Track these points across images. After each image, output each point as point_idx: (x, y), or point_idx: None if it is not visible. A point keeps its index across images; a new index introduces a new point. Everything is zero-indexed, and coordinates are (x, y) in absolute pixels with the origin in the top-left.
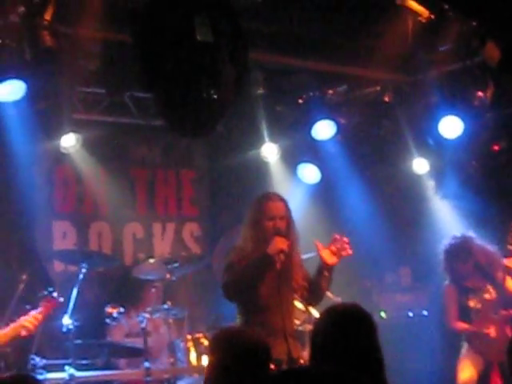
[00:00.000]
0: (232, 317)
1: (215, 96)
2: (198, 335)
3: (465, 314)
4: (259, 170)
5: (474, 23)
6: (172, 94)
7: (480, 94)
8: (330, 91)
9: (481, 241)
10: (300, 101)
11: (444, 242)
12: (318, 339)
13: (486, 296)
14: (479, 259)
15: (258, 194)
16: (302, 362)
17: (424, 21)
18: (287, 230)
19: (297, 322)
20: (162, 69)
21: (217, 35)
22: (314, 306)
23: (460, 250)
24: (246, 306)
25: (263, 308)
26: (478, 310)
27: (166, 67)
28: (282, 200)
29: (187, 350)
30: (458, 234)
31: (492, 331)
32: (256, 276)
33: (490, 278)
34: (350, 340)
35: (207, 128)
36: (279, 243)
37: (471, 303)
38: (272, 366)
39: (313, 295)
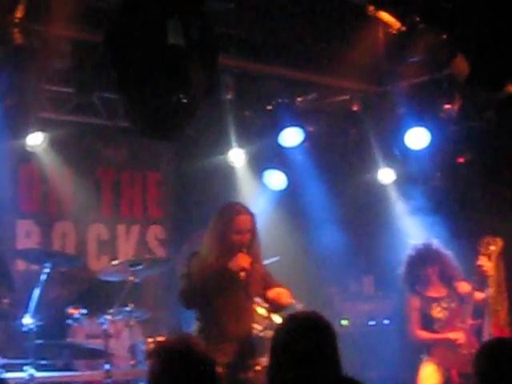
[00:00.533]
0: (192, 319)
1: (184, 100)
2: (159, 338)
3: (428, 323)
4: (226, 174)
5: (444, 36)
6: (141, 97)
7: (447, 106)
8: (299, 98)
9: (445, 249)
10: (269, 107)
11: (409, 250)
12: (277, 346)
13: (453, 305)
14: (445, 266)
15: (227, 203)
16: (258, 368)
17: (395, 32)
18: (251, 242)
19: (259, 327)
20: (132, 71)
21: (188, 39)
22: (276, 313)
23: (427, 255)
24: (203, 313)
25: (219, 315)
26: (442, 319)
27: (136, 69)
28: (250, 213)
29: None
30: (424, 241)
31: (461, 337)
32: (215, 289)
33: (453, 287)
34: (309, 348)
35: (175, 131)
36: (241, 261)
37: (434, 313)
38: (220, 370)
39: (272, 306)
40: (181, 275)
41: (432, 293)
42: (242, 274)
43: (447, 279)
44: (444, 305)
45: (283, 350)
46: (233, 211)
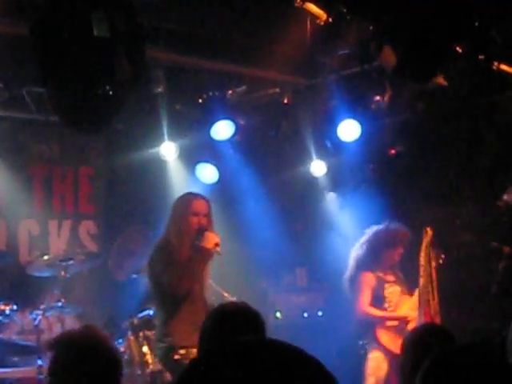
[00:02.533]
0: (125, 314)
1: (110, 92)
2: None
3: (379, 303)
4: (157, 168)
5: (371, 27)
6: (67, 89)
7: (377, 98)
8: (230, 91)
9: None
10: (200, 100)
11: (377, 228)
12: (205, 334)
13: (404, 289)
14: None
15: (183, 193)
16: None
17: (322, 23)
18: (208, 227)
19: None
20: (58, 64)
21: (113, 31)
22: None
23: (392, 236)
24: (175, 300)
25: (192, 301)
26: (393, 301)
27: (61, 62)
28: (206, 199)
29: None
30: (390, 223)
31: (412, 316)
32: (198, 271)
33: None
34: (237, 335)
35: (102, 124)
36: (212, 237)
37: (386, 293)
38: None
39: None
40: (164, 266)
41: (388, 275)
42: (218, 249)
43: (402, 264)
44: (397, 287)
45: (210, 337)
46: (189, 195)
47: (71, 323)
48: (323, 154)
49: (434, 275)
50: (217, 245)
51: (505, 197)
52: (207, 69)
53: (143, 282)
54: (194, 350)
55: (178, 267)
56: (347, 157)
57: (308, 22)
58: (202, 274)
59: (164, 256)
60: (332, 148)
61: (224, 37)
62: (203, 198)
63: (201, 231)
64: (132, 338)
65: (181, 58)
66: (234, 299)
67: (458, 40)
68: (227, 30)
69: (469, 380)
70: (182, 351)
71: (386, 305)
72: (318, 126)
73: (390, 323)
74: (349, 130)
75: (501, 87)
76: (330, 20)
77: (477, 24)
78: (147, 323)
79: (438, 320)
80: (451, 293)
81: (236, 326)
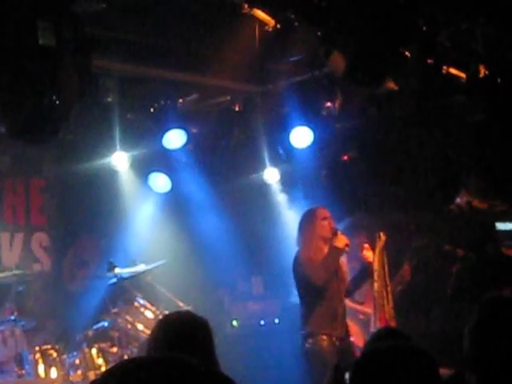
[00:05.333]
0: (80, 326)
1: (57, 102)
2: (46, 347)
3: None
4: (110, 178)
5: (319, 33)
6: (13, 99)
7: (328, 104)
8: (181, 100)
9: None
10: (152, 109)
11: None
12: (151, 345)
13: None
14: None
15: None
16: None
17: (270, 30)
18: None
19: (146, 331)
20: (3, 73)
21: (59, 40)
22: None
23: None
24: (315, 293)
25: (330, 295)
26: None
27: (6, 71)
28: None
29: (35, 362)
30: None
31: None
32: (332, 267)
33: None
34: (183, 345)
35: (50, 134)
36: (344, 238)
37: None
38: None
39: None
40: (303, 261)
41: (354, 264)
42: (347, 249)
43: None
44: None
45: (156, 347)
46: (311, 208)
47: (25, 337)
48: (276, 161)
49: (387, 280)
50: (347, 245)
51: (457, 200)
52: (158, 78)
53: (97, 293)
54: (325, 338)
55: (315, 264)
56: (300, 163)
57: (257, 29)
58: (337, 271)
59: (303, 257)
60: (285, 155)
61: (174, 45)
62: (323, 206)
63: (334, 232)
64: (87, 350)
65: (131, 68)
66: (188, 308)
67: (406, 44)
68: (177, 38)
69: None
70: (311, 340)
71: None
72: (271, 133)
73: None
74: (301, 136)
75: (451, 91)
76: (278, 26)
77: (424, 28)
78: (102, 335)
79: (393, 324)
80: (407, 297)
81: (180, 336)
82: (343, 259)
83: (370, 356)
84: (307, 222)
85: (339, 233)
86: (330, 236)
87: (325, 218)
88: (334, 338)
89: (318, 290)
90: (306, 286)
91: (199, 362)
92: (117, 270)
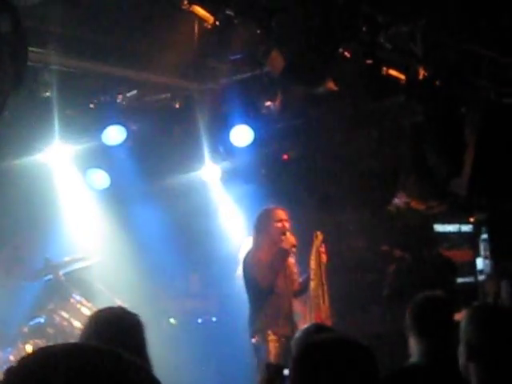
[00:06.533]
0: (14, 322)
1: None
2: None
3: None
4: (47, 173)
5: (259, 31)
6: None
7: (269, 103)
8: (120, 96)
9: None
10: (91, 105)
11: None
12: (82, 340)
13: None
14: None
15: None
16: None
17: (210, 27)
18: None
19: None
20: None
21: None
22: None
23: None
24: (262, 294)
25: (277, 294)
26: None
27: None
28: (282, 208)
29: None
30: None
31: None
32: (278, 268)
33: None
34: (113, 340)
35: None
36: (291, 239)
37: None
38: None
39: None
40: (251, 262)
41: None
42: (293, 250)
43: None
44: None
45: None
46: (270, 208)
47: None
48: (216, 158)
49: (324, 278)
50: (294, 246)
51: (395, 201)
52: (98, 73)
53: (33, 289)
54: (270, 334)
55: (263, 265)
56: (240, 162)
57: (196, 26)
58: (285, 271)
59: (253, 257)
60: (225, 153)
61: (114, 41)
62: (282, 208)
63: (283, 233)
64: (22, 346)
65: (70, 62)
66: (124, 305)
67: (345, 44)
68: (117, 34)
69: None
70: (258, 337)
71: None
72: (211, 131)
73: None
74: (241, 134)
75: (389, 92)
76: (218, 23)
77: (364, 29)
78: (38, 331)
79: (329, 323)
80: (344, 297)
81: (111, 331)
82: (291, 259)
83: (310, 347)
84: (261, 222)
85: (287, 233)
86: (279, 238)
87: (279, 221)
88: (281, 336)
89: (265, 290)
90: (253, 286)
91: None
92: (53, 267)
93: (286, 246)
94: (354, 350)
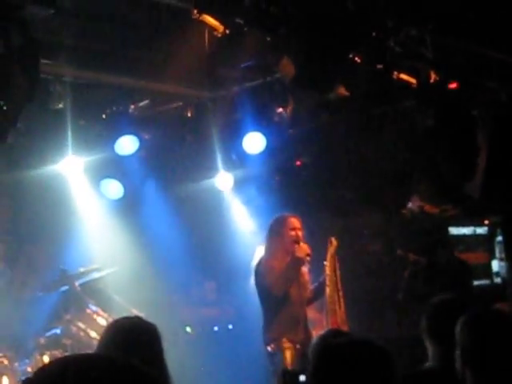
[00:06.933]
0: (31, 334)
1: (5, 107)
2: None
3: None
4: (61, 184)
5: (269, 39)
6: None
7: (280, 110)
8: (132, 106)
9: None
10: (103, 115)
11: None
12: (100, 350)
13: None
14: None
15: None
16: None
17: (220, 36)
18: (301, 239)
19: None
20: None
21: (8, 45)
22: None
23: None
24: (276, 301)
25: (290, 302)
26: None
27: None
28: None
29: None
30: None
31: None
32: (292, 277)
33: None
34: (130, 350)
35: None
36: (305, 248)
37: None
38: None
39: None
40: (265, 270)
41: None
42: (308, 258)
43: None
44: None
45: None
46: (283, 216)
47: None
48: (229, 166)
49: (339, 284)
50: (308, 255)
51: (409, 205)
52: (110, 84)
53: (49, 300)
54: (286, 341)
55: (276, 273)
56: (253, 169)
57: (206, 35)
58: (298, 279)
59: (266, 265)
60: (237, 161)
61: (125, 51)
62: (293, 215)
63: (297, 242)
64: (39, 357)
65: (83, 73)
66: (141, 315)
67: (355, 50)
68: (128, 44)
69: None
70: (273, 345)
71: None
72: (223, 139)
73: None
74: (254, 142)
75: (401, 96)
76: (228, 32)
77: (374, 34)
78: (54, 342)
79: (345, 328)
80: (360, 302)
81: (128, 340)
82: (304, 267)
83: (328, 350)
84: (275, 230)
85: (301, 243)
86: (293, 246)
87: (293, 229)
88: (296, 343)
89: (279, 299)
90: (267, 294)
91: (141, 363)
92: (68, 277)
93: (300, 254)
94: (373, 352)
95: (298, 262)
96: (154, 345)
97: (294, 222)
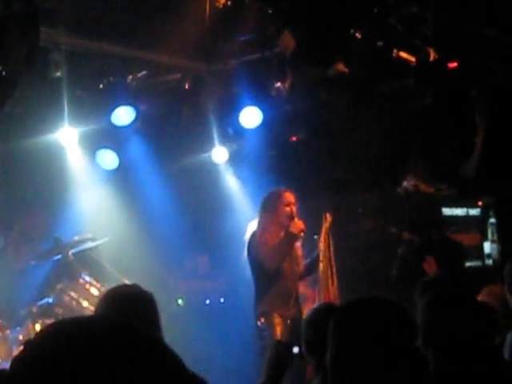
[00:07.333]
0: (23, 302)
1: (4, 73)
2: None
3: None
4: (57, 153)
5: (270, 11)
6: None
7: (278, 84)
8: (130, 76)
9: None
10: (101, 85)
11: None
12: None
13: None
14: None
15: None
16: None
17: (221, 7)
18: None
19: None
20: None
21: (8, 10)
22: None
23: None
24: (268, 276)
25: (282, 277)
26: None
27: None
28: (290, 190)
29: None
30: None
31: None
32: (285, 252)
33: None
34: (129, 316)
35: None
36: (300, 224)
37: None
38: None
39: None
40: (258, 243)
41: None
42: (302, 234)
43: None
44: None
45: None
46: (278, 190)
47: None
48: (225, 140)
49: (332, 260)
50: (302, 231)
51: (404, 184)
52: (108, 54)
53: (42, 269)
54: (276, 316)
55: (269, 247)
56: (249, 143)
57: (207, 6)
58: (291, 254)
59: (260, 239)
60: (234, 135)
61: (124, 21)
62: (287, 189)
63: (291, 217)
64: (31, 325)
65: (81, 42)
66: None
67: (356, 26)
68: (128, 14)
69: None
70: (263, 319)
71: None
72: (220, 113)
73: None
74: (250, 116)
75: (400, 75)
76: (229, 3)
77: (376, 10)
78: (46, 311)
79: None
80: (353, 279)
81: (127, 308)
82: (298, 243)
83: (351, 307)
84: (269, 205)
85: (296, 218)
86: (288, 222)
87: (288, 204)
88: (286, 318)
89: (271, 273)
90: (259, 267)
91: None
92: (62, 246)
93: (294, 230)
94: (393, 309)
95: (291, 238)
96: (151, 312)
97: (289, 196)
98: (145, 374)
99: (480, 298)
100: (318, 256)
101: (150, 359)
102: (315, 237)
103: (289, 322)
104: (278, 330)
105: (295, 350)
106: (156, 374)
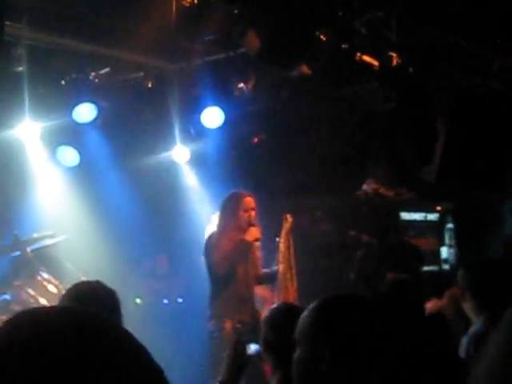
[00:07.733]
0: None
1: None
2: None
3: None
4: (17, 149)
5: (236, 11)
6: None
7: (241, 85)
8: (93, 73)
9: None
10: (63, 82)
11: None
12: None
13: None
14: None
15: (231, 192)
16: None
17: (187, 5)
18: (256, 219)
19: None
20: None
21: None
22: None
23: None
24: (220, 279)
25: (235, 281)
26: None
27: None
28: (252, 195)
29: None
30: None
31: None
32: (238, 258)
33: None
34: (97, 309)
35: None
36: (255, 233)
37: None
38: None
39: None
40: (212, 246)
41: None
42: (257, 243)
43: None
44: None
45: None
46: (240, 194)
47: None
48: (186, 140)
49: (292, 262)
50: (257, 239)
51: (364, 187)
52: (71, 49)
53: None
54: (226, 321)
55: (221, 252)
56: (210, 144)
57: (173, 4)
58: (247, 258)
59: (216, 242)
60: (195, 134)
61: (88, 17)
62: (248, 194)
63: (248, 224)
64: None
65: (44, 37)
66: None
67: (321, 28)
68: (92, 10)
69: None
70: (214, 322)
71: None
72: (182, 112)
73: None
74: (212, 116)
75: (362, 78)
76: (196, 2)
77: (340, 14)
78: (4, 308)
79: None
80: (312, 281)
81: (88, 304)
82: (257, 245)
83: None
84: (229, 208)
85: (252, 226)
86: (247, 227)
87: (247, 210)
88: (237, 322)
89: (222, 277)
90: (211, 270)
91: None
92: (21, 243)
93: (249, 238)
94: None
95: (245, 246)
96: (114, 309)
97: (249, 202)
98: (108, 356)
99: (442, 301)
100: (278, 269)
101: (113, 342)
102: (277, 239)
103: (239, 326)
104: (225, 335)
105: (252, 349)
106: (119, 355)
